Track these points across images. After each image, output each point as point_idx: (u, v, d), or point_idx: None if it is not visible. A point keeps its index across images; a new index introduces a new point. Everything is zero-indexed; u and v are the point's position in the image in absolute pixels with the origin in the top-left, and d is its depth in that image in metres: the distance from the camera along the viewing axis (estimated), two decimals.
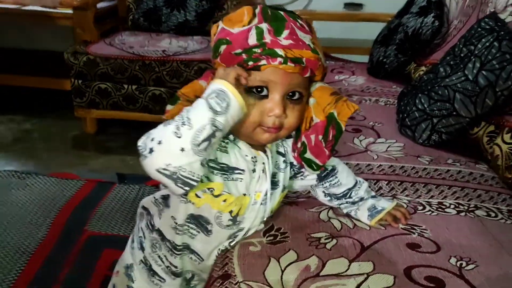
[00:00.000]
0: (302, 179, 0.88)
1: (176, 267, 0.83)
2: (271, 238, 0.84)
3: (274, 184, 0.81)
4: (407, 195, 1.01)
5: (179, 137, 0.64)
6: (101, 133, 2.39)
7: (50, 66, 2.57)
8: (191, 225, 0.79)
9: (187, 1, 2.45)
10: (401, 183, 1.05)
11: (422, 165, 1.14)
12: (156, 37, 2.40)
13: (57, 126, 2.46)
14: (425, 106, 1.28)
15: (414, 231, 0.87)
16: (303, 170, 0.86)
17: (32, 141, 2.32)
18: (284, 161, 0.84)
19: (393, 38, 1.88)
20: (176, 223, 0.79)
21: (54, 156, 2.15)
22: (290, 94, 0.72)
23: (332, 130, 0.76)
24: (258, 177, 0.78)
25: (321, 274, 0.74)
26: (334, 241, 0.83)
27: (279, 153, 0.83)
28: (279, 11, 0.70)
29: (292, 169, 0.86)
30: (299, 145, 0.80)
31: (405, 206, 0.94)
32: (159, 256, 0.84)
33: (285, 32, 0.68)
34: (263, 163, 0.78)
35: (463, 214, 0.94)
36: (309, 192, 0.96)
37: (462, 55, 1.28)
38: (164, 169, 0.65)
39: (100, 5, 2.46)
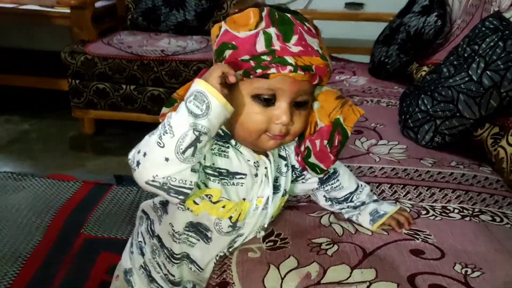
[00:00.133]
0: (303, 182, 0.86)
1: (173, 275, 0.81)
2: (271, 244, 0.81)
3: (275, 188, 0.79)
4: (410, 199, 0.98)
5: (162, 146, 0.62)
6: (99, 133, 2.37)
7: (47, 66, 2.55)
8: (190, 233, 0.76)
9: (186, 1, 2.43)
10: (403, 187, 1.02)
11: (425, 168, 1.11)
12: (155, 36, 2.38)
13: (55, 126, 2.44)
14: (428, 107, 1.25)
15: (417, 236, 0.85)
16: (304, 173, 0.84)
17: (29, 141, 2.30)
18: (286, 165, 0.81)
19: (395, 37, 1.85)
20: (174, 230, 0.77)
21: (52, 157, 2.13)
22: (297, 101, 0.69)
23: (338, 136, 0.75)
24: (260, 182, 0.76)
25: (322, 281, 0.72)
26: (336, 247, 0.81)
27: (281, 156, 0.80)
28: (286, 14, 0.67)
29: (293, 173, 0.84)
30: (302, 148, 0.77)
31: (408, 210, 0.92)
32: (158, 263, 0.82)
33: (294, 38, 0.65)
34: (265, 168, 0.76)
35: (467, 219, 0.92)
36: (310, 196, 0.94)
37: (466, 55, 1.25)
38: (152, 181, 0.63)
39: (98, 4, 2.44)
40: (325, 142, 0.75)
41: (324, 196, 0.88)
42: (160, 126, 0.64)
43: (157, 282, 0.83)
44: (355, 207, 0.87)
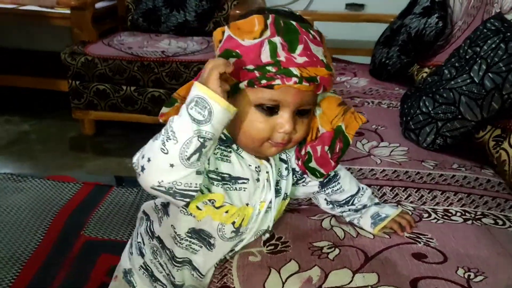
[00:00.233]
0: (304, 185, 0.85)
1: (174, 278, 0.81)
2: (272, 247, 0.81)
3: (276, 192, 0.78)
4: (411, 202, 0.98)
5: (166, 153, 0.61)
6: (99, 134, 2.36)
7: (47, 67, 2.54)
8: (193, 240, 0.76)
9: (186, 2, 2.42)
10: (405, 189, 1.02)
11: (427, 170, 1.11)
12: (155, 37, 2.37)
13: (55, 127, 2.44)
14: (430, 109, 1.25)
15: (419, 240, 0.84)
16: (305, 176, 0.83)
17: (30, 142, 2.29)
18: (287, 168, 0.81)
19: (396, 39, 1.85)
20: (176, 233, 0.76)
21: (52, 158, 2.13)
22: (300, 109, 0.69)
23: (339, 143, 0.75)
24: (262, 187, 0.75)
25: (323, 286, 0.71)
26: (337, 250, 0.80)
27: (281, 160, 0.80)
28: (291, 21, 0.66)
29: (294, 176, 0.83)
30: (303, 152, 0.77)
31: (410, 213, 0.91)
32: (160, 263, 0.82)
33: (299, 48, 0.64)
34: (267, 172, 0.75)
35: (469, 222, 0.91)
36: (311, 199, 0.93)
37: (467, 57, 1.25)
38: (158, 186, 0.63)
39: (98, 5, 2.43)
40: (326, 148, 0.75)
41: (325, 199, 0.88)
42: (163, 131, 0.63)
43: (160, 281, 0.83)
44: (356, 210, 0.86)
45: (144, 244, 0.83)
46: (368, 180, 1.04)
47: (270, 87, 0.65)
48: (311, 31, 0.66)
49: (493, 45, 1.17)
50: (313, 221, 0.89)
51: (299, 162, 0.79)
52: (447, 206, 0.97)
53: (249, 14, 0.68)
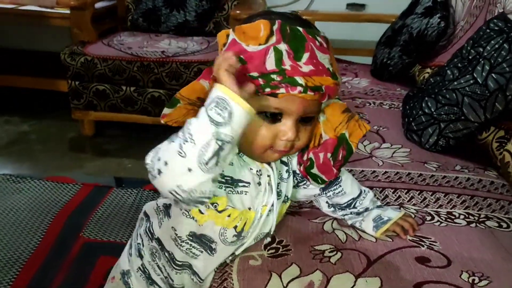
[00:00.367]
0: (305, 188, 0.84)
1: (173, 280, 0.79)
2: (273, 251, 0.80)
3: (277, 194, 0.77)
4: (414, 204, 0.97)
5: (183, 156, 0.59)
6: (99, 135, 2.35)
7: (47, 67, 2.53)
8: (193, 244, 0.75)
9: (186, 1, 2.41)
10: (407, 191, 1.01)
11: (430, 172, 1.09)
12: (155, 37, 2.36)
13: (55, 127, 2.42)
14: (432, 110, 1.23)
15: (423, 243, 0.83)
16: (305, 178, 0.82)
17: (29, 143, 2.28)
18: (287, 171, 0.80)
19: (397, 39, 1.83)
20: (177, 235, 0.75)
21: (51, 158, 2.12)
22: (303, 116, 0.68)
23: (342, 151, 0.74)
24: (264, 190, 0.74)
25: None
26: (339, 254, 0.79)
27: (282, 162, 0.79)
28: (298, 28, 0.64)
29: (295, 178, 0.82)
30: (305, 158, 0.76)
31: (413, 216, 0.90)
32: (158, 266, 0.80)
33: (305, 56, 0.63)
34: (268, 176, 0.74)
35: (473, 225, 0.90)
36: (312, 202, 0.92)
37: (470, 57, 1.23)
38: (175, 191, 0.61)
39: (98, 5, 2.42)
40: (329, 155, 0.74)
41: (327, 202, 0.87)
42: (180, 133, 0.61)
43: (157, 284, 0.81)
44: (358, 213, 0.85)
45: (143, 246, 0.82)
46: (370, 182, 1.03)
47: (274, 95, 0.64)
48: (318, 38, 0.65)
49: (497, 46, 1.16)
50: (314, 224, 0.88)
51: (301, 168, 0.78)
52: (450, 208, 0.95)
53: (254, 17, 0.67)
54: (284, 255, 0.79)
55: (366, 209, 0.85)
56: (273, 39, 0.62)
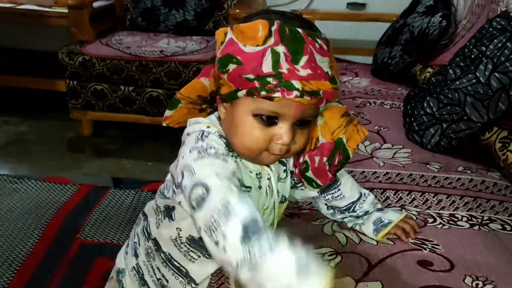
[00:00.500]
0: (302, 189, 0.82)
1: (167, 281, 0.77)
2: None
3: None
4: (416, 206, 0.95)
5: (234, 266, 0.55)
6: (97, 135, 2.33)
7: (45, 67, 2.51)
8: (191, 248, 0.73)
9: (186, 1, 2.39)
10: (409, 193, 0.99)
11: (431, 173, 1.07)
12: (154, 37, 2.34)
13: (53, 127, 2.41)
14: (434, 110, 1.21)
15: (425, 246, 0.81)
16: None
17: (27, 143, 2.26)
18: (285, 171, 0.78)
19: (398, 38, 1.81)
20: (178, 235, 0.73)
21: (49, 158, 2.10)
22: (300, 120, 0.66)
23: (339, 156, 0.72)
24: (265, 194, 0.73)
25: None
26: (339, 257, 0.77)
27: (280, 162, 0.77)
28: (298, 29, 0.61)
29: (292, 178, 0.80)
30: (301, 160, 0.74)
31: (414, 218, 0.88)
32: (152, 267, 0.78)
33: (303, 59, 0.60)
34: (268, 178, 0.73)
35: (476, 227, 0.88)
36: (311, 203, 0.90)
37: (472, 56, 1.21)
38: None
39: (96, 4, 2.40)
40: (325, 159, 0.72)
41: (326, 204, 0.85)
42: (246, 250, 0.54)
43: (148, 286, 0.80)
44: (358, 217, 0.83)
45: (139, 245, 0.81)
46: (370, 183, 1.01)
47: (270, 98, 0.62)
48: (318, 40, 0.62)
49: (500, 44, 1.14)
50: (314, 226, 0.86)
51: (296, 170, 0.76)
52: (453, 210, 0.93)
53: (253, 16, 0.65)
54: None
55: (366, 213, 0.83)
56: (271, 40, 0.60)
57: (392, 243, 0.81)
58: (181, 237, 0.73)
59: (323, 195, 0.83)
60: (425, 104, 1.25)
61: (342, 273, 0.73)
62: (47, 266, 1.40)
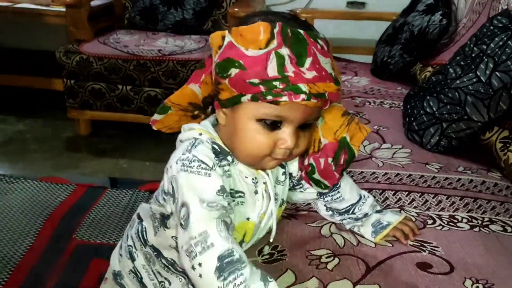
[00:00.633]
0: (301, 191, 0.81)
1: (170, 283, 0.76)
2: (267, 256, 0.76)
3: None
4: (415, 207, 0.93)
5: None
6: (95, 135, 2.32)
7: (43, 66, 2.49)
8: None
9: None
10: (408, 194, 0.97)
11: (431, 173, 1.06)
12: (152, 36, 2.32)
13: (50, 127, 2.39)
14: (434, 109, 1.20)
15: (424, 248, 0.80)
16: (302, 182, 0.79)
17: (24, 142, 2.25)
18: (284, 173, 0.77)
19: (398, 37, 1.80)
20: (176, 244, 0.71)
21: (46, 158, 2.08)
22: (303, 123, 0.65)
23: (344, 155, 0.71)
24: (262, 198, 0.71)
25: None
26: (337, 260, 0.75)
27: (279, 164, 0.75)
28: (299, 31, 0.60)
29: (290, 181, 0.79)
30: (306, 163, 0.74)
31: (413, 219, 0.86)
32: (152, 271, 0.77)
33: (308, 61, 0.59)
34: (264, 183, 0.71)
35: (476, 229, 0.87)
36: (310, 204, 0.88)
37: (473, 55, 1.20)
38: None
39: (94, 2, 2.38)
40: (330, 159, 0.72)
41: (325, 206, 0.83)
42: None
43: None
44: (357, 219, 0.82)
45: (135, 249, 0.79)
46: (369, 184, 1.00)
47: (276, 103, 0.60)
48: (319, 41, 0.61)
49: (501, 43, 1.12)
50: (311, 228, 0.84)
51: (303, 173, 0.75)
52: (453, 211, 0.92)
53: (250, 18, 0.63)
54: (279, 260, 0.76)
55: (365, 215, 0.82)
56: (274, 43, 0.59)
57: (390, 245, 0.80)
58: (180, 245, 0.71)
59: (322, 197, 0.82)
60: (425, 104, 1.23)
61: (339, 275, 0.71)
62: (43, 267, 1.38)
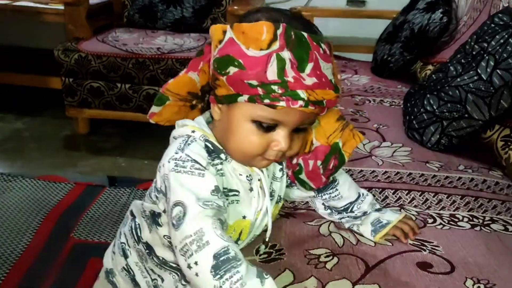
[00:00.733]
0: (299, 188, 0.80)
1: (163, 280, 0.75)
2: (265, 256, 0.75)
3: (269, 195, 0.73)
4: (415, 206, 0.92)
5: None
6: (93, 133, 2.31)
7: (41, 64, 2.49)
8: None
9: None
10: (408, 192, 0.96)
11: (431, 172, 1.05)
12: (152, 34, 2.31)
13: (49, 125, 2.38)
14: (434, 107, 1.19)
15: (424, 247, 0.78)
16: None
17: (22, 140, 2.24)
18: (281, 169, 0.76)
19: (399, 35, 1.79)
20: (170, 243, 0.70)
21: (44, 156, 2.07)
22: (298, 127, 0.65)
23: (334, 160, 0.71)
24: (257, 196, 0.70)
25: None
26: (335, 259, 0.74)
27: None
28: (303, 34, 0.59)
29: (288, 177, 0.78)
30: (294, 162, 0.73)
31: (414, 218, 0.85)
32: (145, 268, 0.76)
33: (309, 66, 0.58)
34: (259, 180, 0.70)
35: (477, 228, 0.85)
36: (308, 202, 0.87)
37: (474, 53, 1.19)
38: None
39: (93, 0, 2.37)
40: (319, 162, 0.71)
41: (323, 204, 0.82)
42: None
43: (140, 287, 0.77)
44: (355, 217, 0.81)
45: (128, 246, 0.78)
46: (369, 183, 0.99)
47: (273, 106, 0.59)
48: (322, 45, 0.60)
49: (502, 40, 1.11)
50: (310, 226, 0.83)
51: (289, 172, 0.75)
52: (454, 210, 0.91)
53: (252, 14, 0.62)
54: (277, 259, 0.75)
55: (364, 213, 0.81)
56: (276, 44, 0.57)
57: (390, 244, 0.79)
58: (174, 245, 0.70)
59: (320, 195, 0.81)
60: (425, 102, 1.22)
61: (338, 275, 0.70)
62: (40, 266, 1.37)
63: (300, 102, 0.59)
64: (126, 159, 2.05)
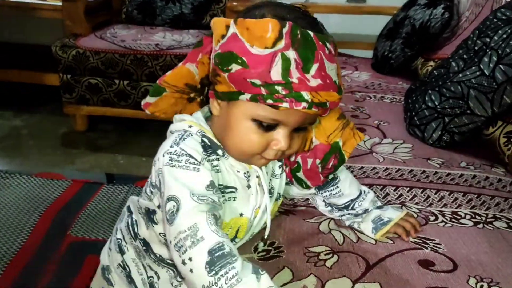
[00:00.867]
0: (295, 186, 0.78)
1: (159, 277, 0.73)
2: (263, 253, 0.74)
3: (268, 192, 0.71)
4: (417, 203, 0.90)
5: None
6: (91, 130, 2.29)
7: (39, 60, 2.47)
8: None
9: None
10: (410, 189, 0.94)
11: (433, 169, 1.03)
12: (150, 30, 2.30)
13: (47, 122, 2.37)
14: (436, 103, 1.17)
15: (426, 245, 0.77)
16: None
17: (20, 137, 2.22)
18: (280, 166, 0.74)
19: (399, 31, 1.77)
20: (166, 240, 0.69)
21: (42, 153, 2.06)
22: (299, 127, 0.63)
23: (334, 160, 0.69)
24: (255, 192, 0.69)
25: None
26: (335, 257, 0.73)
27: None
28: (309, 32, 0.57)
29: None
30: (292, 159, 0.71)
31: (415, 216, 0.84)
32: (142, 264, 0.75)
33: (314, 67, 0.56)
34: (257, 176, 0.69)
35: (480, 226, 0.84)
36: (308, 199, 0.86)
37: (476, 48, 1.17)
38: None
39: None
40: (318, 161, 0.70)
41: (323, 200, 0.81)
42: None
43: (135, 285, 0.76)
44: (356, 215, 0.79)
45: (125, 242, 0.77)
46: (370, 179, 0.97)
47: (275, 107, 0.58)
48: (328, 45, 0.58)
49: (505, 35, 1.10)
50: (309, 224, 0.82)
51: (287, 169, 0.73)
52: (456, 208, 0.89)
53: (257, 8, 0.60)
54: (276, 257, 0.73)
55: (365, 211, 0.80)
56: (282, 43, 0.55)
57: (391, 242, 0.77)
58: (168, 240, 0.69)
59: (320, 192, 0.79)
60: (426, 98, 1.21)
61: (338, 273, 0.69)
62: (37, 263, 1.36)
63: (304, 104, 0.57)
64: (124, 156, 2.03)
